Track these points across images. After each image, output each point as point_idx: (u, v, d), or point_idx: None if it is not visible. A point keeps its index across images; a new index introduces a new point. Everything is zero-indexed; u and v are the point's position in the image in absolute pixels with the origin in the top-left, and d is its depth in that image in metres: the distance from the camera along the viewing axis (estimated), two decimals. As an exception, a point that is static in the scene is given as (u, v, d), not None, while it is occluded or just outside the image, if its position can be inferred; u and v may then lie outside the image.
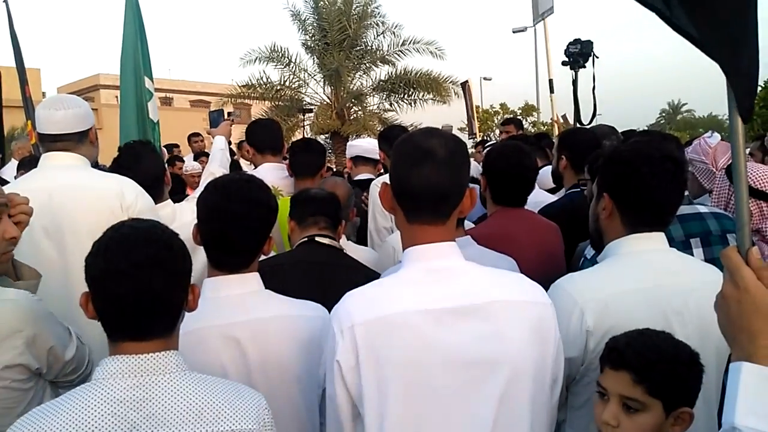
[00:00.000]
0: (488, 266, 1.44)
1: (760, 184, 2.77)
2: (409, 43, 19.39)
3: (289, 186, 3.34)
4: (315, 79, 20.24)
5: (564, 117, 5.83)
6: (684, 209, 2.12)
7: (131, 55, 4.39)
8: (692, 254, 2.08)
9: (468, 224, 2.78)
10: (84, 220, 2.25)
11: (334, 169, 10.17)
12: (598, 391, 1.40)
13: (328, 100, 19.94)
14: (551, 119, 5.82)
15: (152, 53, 4.65)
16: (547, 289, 1.53)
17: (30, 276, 1.77)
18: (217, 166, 3.26)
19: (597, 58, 5.48)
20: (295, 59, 19.63)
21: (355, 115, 20.03)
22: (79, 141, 2.40)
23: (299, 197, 2.22)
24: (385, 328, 1.29)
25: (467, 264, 1.40)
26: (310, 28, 19.88)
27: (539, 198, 3.12)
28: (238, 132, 4.17)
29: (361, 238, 3.34)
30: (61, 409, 1.17)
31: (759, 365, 1.00)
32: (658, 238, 1.67)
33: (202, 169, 5.54)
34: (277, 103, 20.12)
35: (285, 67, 19.57)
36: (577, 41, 5.56)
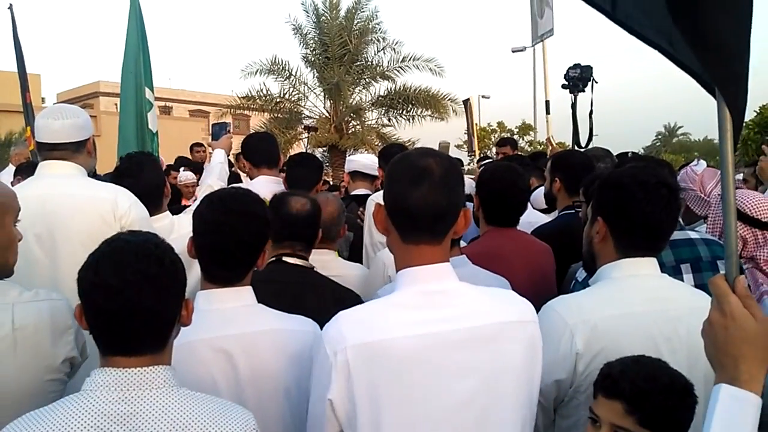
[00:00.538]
0: (481, 286, 1.45)
1: (755, 211, 2.78)
2: (409, 59, 19.53)
3: None
4: (315, 93, 20.36)
5: (548, 140, 5.89)
6: (675, 234, 2.13)
7: (132, 65, 4.42)
8: (682, 279, 2.09)
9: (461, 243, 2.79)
10: (76, 228, 2.27)
11: (331, 183, 10.18)
12: (591, 417, 1.41)
13: (327, 114, 20.02)
14: (546, 140, 5.86)
15: (153, 62, 4.67)
16: (537, 309, 1.54)
17: None
18: (215, 179, 3.26)
19: (596, 83, 5.54)
20: (296, 72, 19.76)
21: (353, 130, 20.11)
22: (76, 151, 2.42)
23: (279, 213, 2.15)
24: (378, 354, 1.28)
25: (462, 285, 1.40)
26: (311, 42, 20.02)
27: (532, 218, 3.14)
28: (236, 143, 4.20)
29: (354, 253, 3.35)
30: (48, 418, 1.17)
31: (738, 388, 1.05)
32: (650, 264, 1.68)
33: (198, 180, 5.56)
34: (276, 115, 20.19)
35: (285, 79, 19.67)
36: (577, 66, 5.61)
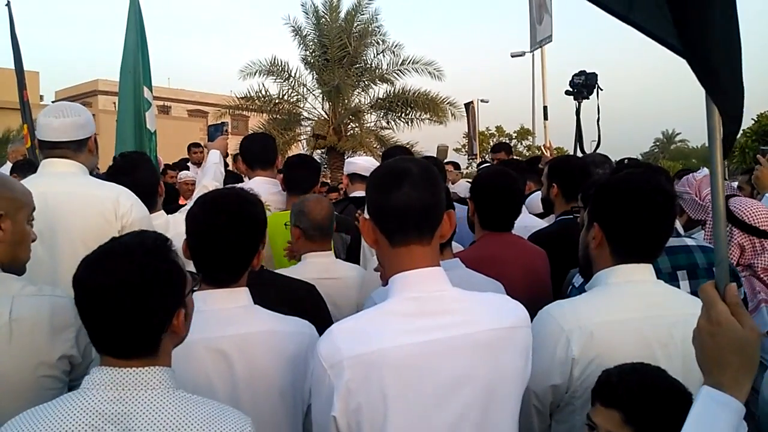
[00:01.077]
0: (475, 290, 1.45)
1: (752, 219, 2.79)
2: (409, 62, 19.57)
3: (278, 201, 3.35)
4: (314, 95, 20.37)
5: (544, 146, 5.91)
6: (672, 241, 2.14)
7: (131, 63, 4.41)
8: (678, 286, 2.09)
9: (458, 247, 2.79)
10: (77, 226, 2.28)
11: (329, 185, 10.18)
12: (588, 423, 1.41)
13: (326, 116, 20.03)
14: (543, 145, 5.87)
15: (152, 62, 4.67)
16: (532, 314, 1.55)
17: None
18: (210, 180, 3.25)
19: (601, 90, 5.56)
20: (295, 74, 19.77)
21: (352, 132, 20.12)
22: (77, 149, 2.43)
23: None
24: (374, 365, 1.28)
25: (455, 291, 1.40)
26: (311, 43, 20.03)
27: (527, 222, 3.14)
28: (234, 144, 4.19)
29: (351, 255, 3.34)
30: (45, 415, 1.18)
31: (718, 390, 1.07)
32: (646, 270, 1.69)
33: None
34: (275, 116, 20.19)
35: (284, 81, 19.68)
36: (582, 73, 5.63)
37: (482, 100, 31.31)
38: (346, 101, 19.53)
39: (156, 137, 4.49)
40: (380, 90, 20.19)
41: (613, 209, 1.68)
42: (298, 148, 20.03)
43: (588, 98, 5.62)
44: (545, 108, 7.24)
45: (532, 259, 2.52)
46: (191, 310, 1.35)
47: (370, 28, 19.71)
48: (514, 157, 6.62)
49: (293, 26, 19.92)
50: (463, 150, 14.45)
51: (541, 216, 3.73)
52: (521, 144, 38.08)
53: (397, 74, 19.78)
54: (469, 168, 12.70)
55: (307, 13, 19.96)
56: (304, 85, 20.13)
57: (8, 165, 5.74)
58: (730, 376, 1.06)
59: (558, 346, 1.59)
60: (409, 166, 1.39)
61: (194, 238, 1.64)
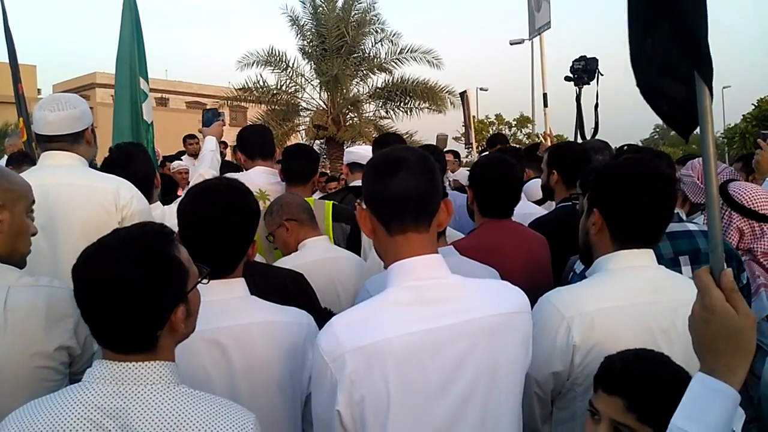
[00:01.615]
0: (471, 277, 1.44)
1: (752, 203, 2.77)
2: (407, 51, 19.48)
3: (278, 191, 3.33)
4: (312, 85, 20.29)
5: (545, 134, 5.87)
6: (674, 226, 2.13)
7: (127, 55, 4.37)
8: (680, 272, 2.08)
9: (458, 234, 2.78)
10: (78, 217, 2.28)
11: (329, 175, 10.16)
12: (590, 410, 1.40)
13: (325, 106, 19.97)
14: (543, 133, 5.82)
15: (149, 54, 4.63)
16: (533, 301, 1.54)
17: None
18: (206, 168, 3.20)
19: (602, 75, 5.51)
20: (293, 64, 19.70)
21: (351, 122, 20.07)
22: (74, 141, 2.42)
23: None
24: (377, 356, 1.27)
25: (455, 278, 1.39)
26: (308, 33, 19.94)
27: (527, 210, 3.13)
28: (233, 135, 4.17)
29: (351, 244, 3.33)
30: (45, 408, 1.18)
31: (710, 376, 1.06)
32: (647, 255, 1.68)
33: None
34: (273, 107, 20.13)
35: (282, 71, 19.61)
36: (582, 58, 5.57)
37: (481, 89, 31.29)
38: (345, 91, 19.48)
39: (153, 128, 4.46)
40: (379, 79, 20.16)
41: (613, 194, 1.67)
42: (297, 139, 19.98)
43: (589, 84, 5.57)
44: (545, 95, 7.19)
45: (533, 246, 2.51)
46: (195, 306, 1.31)
47: (367, 17, 19.60)
48: (512, 145, 6.60)
49: (290, 16, 19.85)
50: (462, 139, 14.39)
51: (539, 203, 3.73)
52: (521, 132, 38.00)
53: (396, 63, 19.72)
54: (469, 157, 12.66)
55: (304, 3, 19.88)
56: (302, 76, 20.08)
57: (5, 159, 5.72)
58: (724, 363, 1.06)
59: (559, 333, 1.58)
60: (405, 154, 1.39)
61: (186, 231, 1.61)
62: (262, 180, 3.29)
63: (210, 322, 1.51)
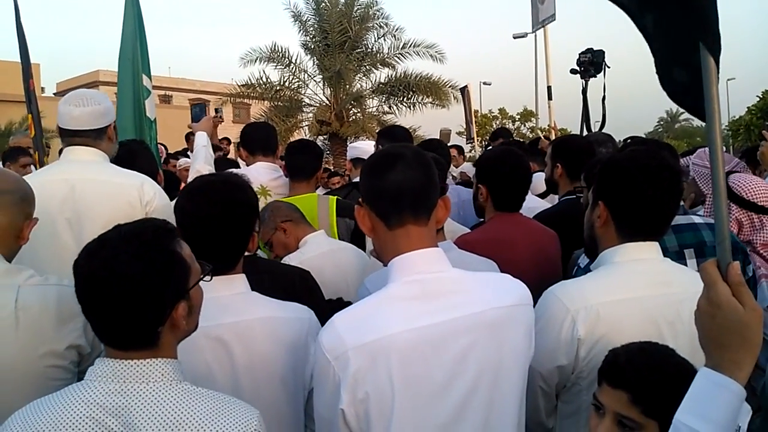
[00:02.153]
0: (470, 270, 1.44)
1: (751, 195, 2.76)
2: (410, 46, 19.40)
3: (278, 186, 3.34)
4: (315, 81, 20.26)
5: (550, 127, 5.84)
6: (679, 219, 2.11)
7: (129, 51, 4.37)
8: (686, 264, 2.07)
9: (461, 228, 2.77)
10: (104, 213, 2.29)
11: (332, 170, 10.17)
12: (594, 403, 1.40)
13: (328, 102, 19.94)
14: (548, 126, 5.79)
15: (152, 51, 4.63)
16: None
17: None
18: (202, 164, 3.17)
19: (608, 67, 5.47)
20: (296, 60, 19.64)
21: (354, 117, 20.03)
22: (96, 137, 2.46)
23: None
24: (380, 353, 1.26)
25: (455, 272, 1.39)
26: (311, 29, 19.88)
27: (531, 203, 3.11)
28: (237, 132, 4.18)
29: (355, 240, 3.33)
30: (48, 407, 1.17)
31: (715, 371, 1.04)
32: (653, 248, 1.67)
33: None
34: (276, 103, 20.10)
35: (285, 67, 19.57)
36: (588, 50, 5.54)
37: (485, 83, 31.18)
38: (348, 86, 19.43)
39: (156, 125, 4.47)
40: (382, 74, 20.06)
41: (619, 186, 1.65)
42: (301, 135, 19.95)
43: (595, 76, 5.53)
44: (549, 88, 7.17)
45: (544, 240, 2.50)
46: (197, 302, 1.30)
47: (370, 12, 19.53)
48: (516, 139, 6.57)
49: (293, 12, 19.77)
50: (465, 134, 14.34)
51: (541, 197, 3.72)
52: (524, 126, 37.88)
53: (399, 58, 19.64)
54: (472, 152, 12.62)
55: (307, -1, 19.80)
56: (305, 71, 20.02)
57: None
58: (729, 357, 1.04)
59: (564, 326, 1.57)
60: (401, 150, 1.42)
61: (185, 230, 1.58)
62: (263, 176, 3.29)
63: (212, 318, 1.50)
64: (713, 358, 1.06)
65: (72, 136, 2.44)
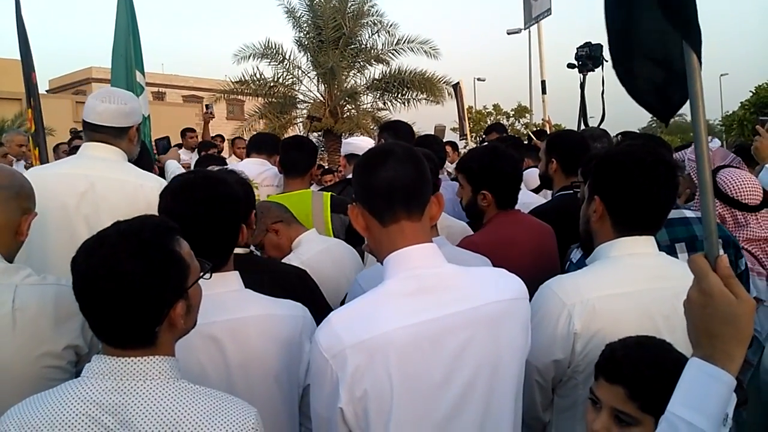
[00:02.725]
0: (465, 266, 1.44)
1: (735, 192, 2.76)
2: (404, 42, 19.39)
3: (266, 179, 3.39)
4: (309, 77, 20.20)
5: (544, 121, 5.82)
6: (670, 213, 2.12)
7: (123, 48, 4.37)
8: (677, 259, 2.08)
9: (457, 222, 2.77)
10: (123, 211, 2.27)
11: (326, 167, 10.15)
12: (591, 398, 1.39)
13: (322, 98, 19.89)
14: (542, 120, 5.78)
15: (145, 48, 4.62)
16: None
17: None
18: None
19: (606, 61, 5.44)
20: (289, 56, 19.59)
21: (348, 114, 20.00)
22: (116, 136, 2.46)
23: None
24: (378, 350, 1.25)
25: (451, 267, 1.38)
26: (305, 25, 19.82)
27: (526, 199, 3.11)
28: (231, 129, 4.25)
29: (350, 236, 3.33)
30: (43, 404, 1.17)
31: (706, 362, 1.04)
32: (648, 242, 1.67)
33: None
34: (270, 99, 20.04)
35: (279, 63, 19.51)
36: (586, 44, 5.51)
37: (479, 79, 31.15)
38: (342, 83, 19.38)
39: (150, 122, 4.45)
40: (376, 71, 20.06)
41: (615, 181, 1.65)
42: (295, 132, 19.91)
43: (593, 70, 5.51)
44: (543, 82, 7.18)
45: (543, 237, 2.49)
46: (196, 301, 1.29)
47: (364, 8, 19.48)
48: (510, 135, 6.56)
49: (287, 8, 19.71)
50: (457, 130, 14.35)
51: (534, 192, 3.72)
52: (519, 122, 37.93)
53: (393, 54, 19.63)
54: (466, 148, 12.64)
55: (300, -6, 19.72)
56: (299, 68, 19.97)
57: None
58: (721, 348, 1.04)
59: (560, 321, 1.57)
60: (392, 147, 1.42)
61: None
62: (251, 170, 3.30)
63: (205, 316, 1.48)
64: (704, 349, 1.06)
65: (93, 131, 2.45)
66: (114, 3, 4.45)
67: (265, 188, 3.32)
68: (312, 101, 20.03)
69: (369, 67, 20.08)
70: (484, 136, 6.63)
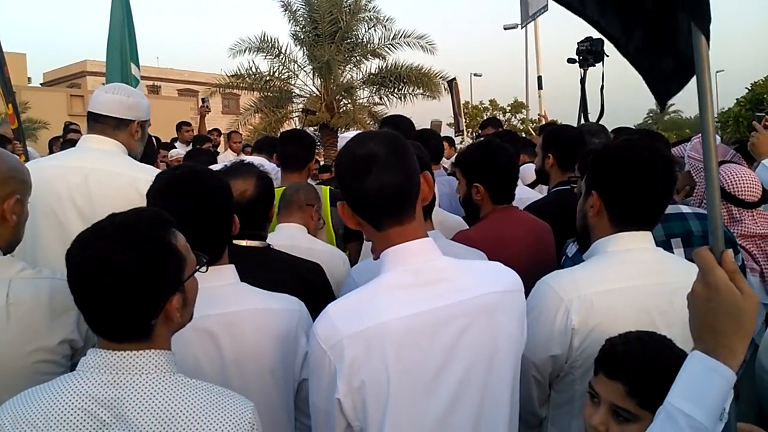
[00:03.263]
0: (460, 259, 1.43)
1: (733, 187, 2.76)
2: (400, 36, 19.31)
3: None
4: (305, 71, 20.13)
5: (540, 116, 5.80)
6: (666, 209, 2.12)
7: (117, 40, 4.35)
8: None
9: (453, 217, 2.77)
10: (118, 204, 2.25)
11: (322, 162, 10.13)
12: (590, 392, 1.39)
13: (318, 93, 19.84)
14: (539, 115, 5.77)
15: (140, 41, 4.60)
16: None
17: None
18: None
19: (607, 56, 5.41)
20: (285, 50, 19.49)
21: (344, 108, 19.94)
22: (116, 127, 2.43)
23: None
24: (375, 340, 1.25)
25: (446, 260, 1.38)
26: (301, 19, 19.72)
27: (522, 195, 3.11)
28: (227, 122, 4.25)
29: (348, 230, 3.32)
30: (38, 398, 1.16)
31: (708, 356, 1.04)
32: (646, 237, 1.67)
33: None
34: (266, 94, 19.97)
35: (274, 57, 19.41)
36: (587, 39, 5.46)
37: (475, 74, 31.13)
38: (338, 77, 19.32)
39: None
40: (372, 65, 19.98)
41: (612, 176, 1.65)
42: (291, 126, 19.85)
43: (594, 65, 5.46)
44: (539, 77, 7.16)
45: (541, 234, 2.49)
46: (192, 295, 1.28)
47: (361, 3, 19.40)
48: (506, 129, 6.55)
49: (283, 1, 19.60)
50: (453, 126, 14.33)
51: (531, 187, 3.72)
52: (515, 117, 37.94)
53: (389, 49, 19.55)
54: (462, 144, 12.63)
55: (296, -13, 19.62)
56: (295, 62, 19.87)
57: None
58: (724, 342, 1.03)
59: (557, 316, 1.57)
60: (372, 149, 1.32)
61: None
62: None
63: (200, 310, 1.48)
64: (705, 343, 1.06)
65: (94, 121, 2.43)
66: (110, -4, 4.42)
67: None
68: (308, 96, 19.95)
69: (365, 61, 20.01)
70: (480, 132, 6.62)
